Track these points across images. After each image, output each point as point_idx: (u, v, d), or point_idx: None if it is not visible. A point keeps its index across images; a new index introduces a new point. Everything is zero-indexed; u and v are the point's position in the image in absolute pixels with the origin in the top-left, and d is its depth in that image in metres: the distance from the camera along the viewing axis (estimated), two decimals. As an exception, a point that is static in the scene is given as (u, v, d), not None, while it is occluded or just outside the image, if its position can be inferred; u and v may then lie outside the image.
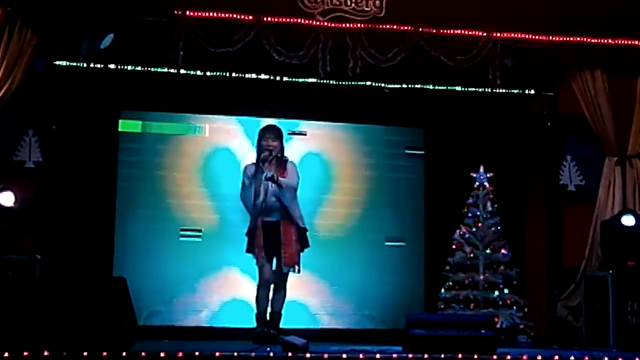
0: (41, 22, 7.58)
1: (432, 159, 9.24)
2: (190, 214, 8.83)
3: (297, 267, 7.36)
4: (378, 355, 5.87)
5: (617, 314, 7.54)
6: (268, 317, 7.30)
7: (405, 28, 7.89)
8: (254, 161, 7.48)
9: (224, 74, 8.33)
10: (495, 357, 6.03)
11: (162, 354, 5.56)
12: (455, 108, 8.94)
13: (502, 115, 9.04)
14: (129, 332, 5.85)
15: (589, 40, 8.17)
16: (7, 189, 7.30)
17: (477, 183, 8.31)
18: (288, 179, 7.33)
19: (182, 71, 8.09)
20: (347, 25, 7.81)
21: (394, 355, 5.92)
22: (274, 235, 7.27)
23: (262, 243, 7.25)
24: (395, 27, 7.88)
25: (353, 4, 7.84)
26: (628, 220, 7.90)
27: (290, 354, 5.86)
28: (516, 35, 8.05)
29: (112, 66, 8.14)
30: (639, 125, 8.39)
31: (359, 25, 7.82)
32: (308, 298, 8.82)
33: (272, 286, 7.33)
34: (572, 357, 6.11)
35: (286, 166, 7.42)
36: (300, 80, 8.37)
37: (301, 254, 7.40)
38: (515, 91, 8.66)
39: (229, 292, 8.72)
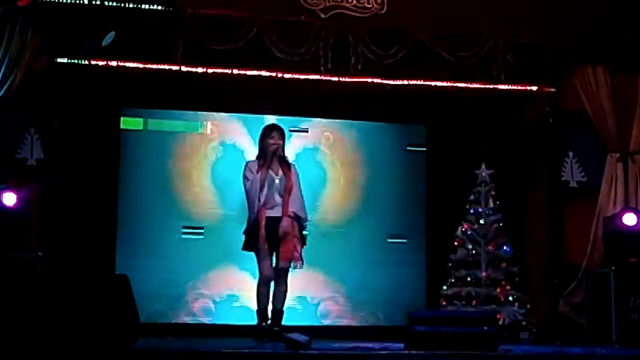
0: (42, 21, 7.57)
1: (434, 155, 9.22)
2: (192, 212, 8.83)
3: (298, 264, 7.30)
4: (380, 352, 5.86)
5: (619, 310, 7.53)
6: (270, 314, 7.28)
7: (407, 25, 7.88)
8: (255, 158, 7.47)
9: (226, 71, 8.32)
10: (497, 353, 6.02)
11: (164, 352, 5.55)
12: (457, 104, 8.92)
13: (504, 112, 9.01)
14: (131, 330, 5.84)
15: (590, 36, 8.16)
16: (9, 187, 7.30)
17: (479, 180, 8.31)
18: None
19: (184, 68, 8.08)
20: (349, 22, 7.80)
21: (396, 352, 5.92)
22: (275, 231, 7.25)
23: (263, 239, 7.23)
24: (396, 23, 7.87)
25: (354, 1, 7.83)
26: (630, 219, 7.88)
27: (292, 351, 5.85)
28: (518, 32, 8.03)
29: (113, 63, 8.13)
30: (641, 121, 8.41)
31: (360, 22, 7.82)
32: (310, 295, 8.82)
33: (272, 283, 7.31)
34: (574, 354, 6.10)
35: (290, 167, 7.38)
36: (302, 77, 8.36)
37: (302, 249, 7.37)
38: (518, 87, 8.65)
39: (231, 289, 8.72)
